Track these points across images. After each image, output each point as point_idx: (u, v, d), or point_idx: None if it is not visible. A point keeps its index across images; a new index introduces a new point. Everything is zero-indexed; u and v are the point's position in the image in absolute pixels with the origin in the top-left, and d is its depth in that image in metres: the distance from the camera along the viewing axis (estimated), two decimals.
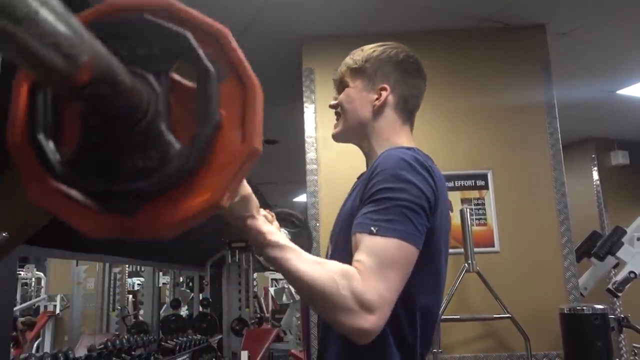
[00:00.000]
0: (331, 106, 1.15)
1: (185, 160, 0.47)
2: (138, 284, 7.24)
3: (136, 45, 0.48)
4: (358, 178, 1.13)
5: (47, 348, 5.30)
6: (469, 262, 2.47)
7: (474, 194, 2.74)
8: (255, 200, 0.84)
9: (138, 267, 6.48)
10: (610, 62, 3.35)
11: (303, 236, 1.31)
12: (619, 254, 2.97)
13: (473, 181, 2.75)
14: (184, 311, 6.14)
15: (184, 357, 3.61)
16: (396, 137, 1.09)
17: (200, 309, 5.05)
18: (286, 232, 1.24)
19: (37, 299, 6.24)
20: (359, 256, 0.85)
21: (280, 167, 5.04)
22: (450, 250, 1.10)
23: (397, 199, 0.88)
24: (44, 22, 0.33)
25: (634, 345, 3.21)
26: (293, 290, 5.86)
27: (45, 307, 5.91)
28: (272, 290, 8.64)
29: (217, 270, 5.06)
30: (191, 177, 0.48)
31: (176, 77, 0.50)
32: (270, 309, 7.88)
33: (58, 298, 5.86)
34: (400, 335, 0.93)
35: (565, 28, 2.90)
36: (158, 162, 0.48)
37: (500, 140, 2.79)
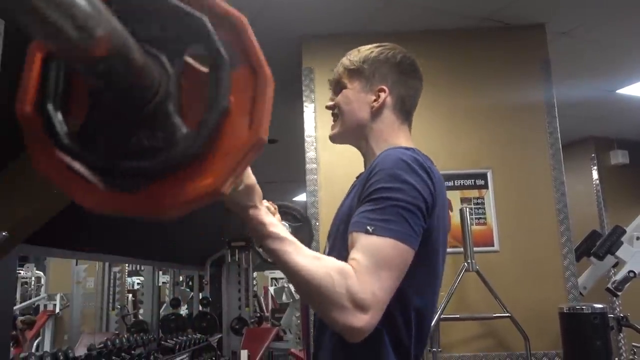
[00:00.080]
0: (328, 107, 1.15)
1: (190, 144, 0.47)
2: (138, 283, 7.24)
3: (152, 26, 0.48)
4: (357, 177, 1.13)
5: (46, 347, 5.31)
6: (469, 261, 2.47)
7: (474, 193, 2.74)
8: (259, 191, 0.84)
9: (138, 266, 6.48)
10: (610, 62, 3.35)
11: (304, 231, 1.31)
12: (619, 253, 2.97)
13: (473, 180, 2.75)
14: (183, 310, 6.14)
15: (184, 356, 3.61)
16: (395, 137, 1.09)
17: (200, 308, 5.05)
18: (287, 225, 1.24)
19: (37, 298, 6.24)
20: (355, 255, 0.85)
21: (280, 167, 5.04)
22: (450, 250, 1.10)
23: (394, 199, 0.88)
24: None
25: (633, 344, 3.21)
26: (293, 289, 5.86)
27: (45, 306, 5.91)
28: (271, 289, 8.63)
29: (216, 269, 5.07)
30: (195, 162, 0.48)
31: (190, 61, 0.50)
32: (270, 308, 7.88)
33: (58, 297, 5.86)
34: (396, 335, 0.93)
35: (565, 27, 2.90)
36: (164, 144, 0.48)
37: (500, 139, 2.79)
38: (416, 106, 1.14)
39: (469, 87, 2.85)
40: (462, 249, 2.51)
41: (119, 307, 5.62)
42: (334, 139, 1.15)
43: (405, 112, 1.11)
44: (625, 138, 4.82)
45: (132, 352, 2.98)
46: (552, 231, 2.68)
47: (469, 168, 2.75)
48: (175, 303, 5.56)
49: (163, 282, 6.80)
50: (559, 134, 2.76)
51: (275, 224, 0.85)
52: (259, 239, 0.85)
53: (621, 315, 2.94)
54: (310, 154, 2.79)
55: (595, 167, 4.74)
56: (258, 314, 5.83)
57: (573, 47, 3.10)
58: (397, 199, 0.88)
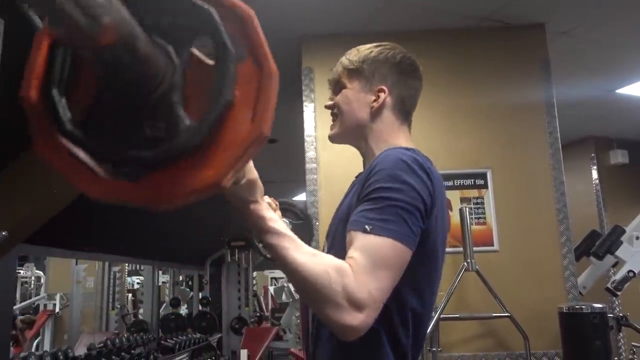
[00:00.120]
0: (327, 107, 1.14)
1: (192, 136, 0.47)
2: (137, 283, 7.23)
3: (160, 16, 0.48)
4: (356, 177, 1.13)
5: (46, 347, 5.30)
6: (468, 261, 2.47)
7: (474, 193, 2.74)
8: (260, 186, 0.84)
9: (137, 266, 6.47)
10: (609, 61, 3.35)
11: (305, 229, 1.31)
12: (618, 252, 2.97)
13: (472, 180, 2.75)
14: (183, 310, 6.14)
15: (184, 355, 3.61)
16: (394, 137, 1.08)
17: (200, 307, 5.04)
18: (288, 222, 1.24)
19: (37, 297, 6.24)
20: (352, 253, 0.85)
21: (280, 166, 5.04)
22: (450, 249, 1.10)
23: (393, 199, 0.88)
24: None
25: (633, 344, 3.21)
26: (292, 289, 5.86)
27: (45, 305, 5.91)
28: (271, 289, 8.63)
29: (216, 269, 5.06)
30: (197, 153, 0.48)
31: (197, 53, 0.50)
32: (269, 307, 7.88)
33: (57, 297, 5.86)
34: (394, 335, 0.93)
35: (564, 27, 2.90)
36: (166, 134, 0.48)
37: (499, 139, 2.79)
38: (416, 106, 1.14)
39: (468, 87, 2.85)
40: (461, 249, 2.51)
41: (118, 306, 5.62)
42: (333, 139, 1.14)
43: (405, 112, 1.11)
44: (625, 138, 4.82)
45: (132, 351, 2.97)
46: (552, 231, 2.68)
47: (468, 168, 2.76)
48: (175, 303, 5.56)
49: (163, 282, 6.79)
50: (558, 134, 2.77)
51: (276, 220, 0.85)
52: (259, 234, 0.85)
53: (621, 314, 2.94)
54: (310, 153, 2.79)
55: (595, 167, 4.74)
56: (258, 314, 5.82)
57: (573, 47, 3.10)
58: (396, 199, 0.88)
